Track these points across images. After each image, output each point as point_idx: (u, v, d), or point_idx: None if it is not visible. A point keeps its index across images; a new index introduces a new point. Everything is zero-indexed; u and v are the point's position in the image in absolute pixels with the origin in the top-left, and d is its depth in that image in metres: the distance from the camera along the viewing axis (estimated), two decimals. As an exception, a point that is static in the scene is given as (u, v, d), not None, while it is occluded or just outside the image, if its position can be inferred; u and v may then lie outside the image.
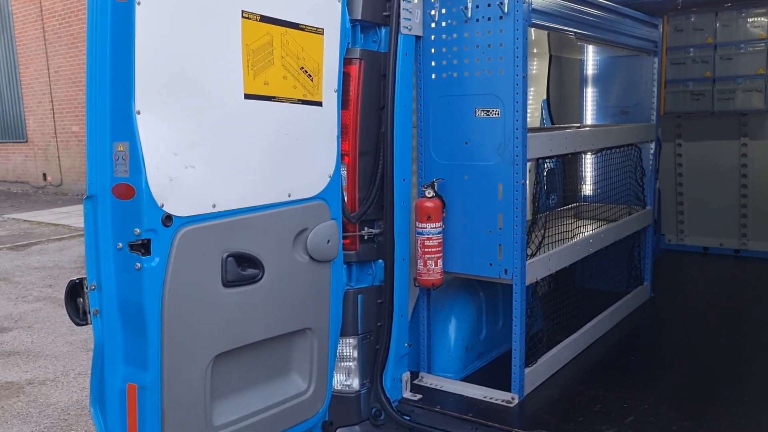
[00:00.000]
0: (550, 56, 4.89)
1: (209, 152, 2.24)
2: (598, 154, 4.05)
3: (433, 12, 3.01)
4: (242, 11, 2.29)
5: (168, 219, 2.12)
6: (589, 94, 4.96)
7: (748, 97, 5.39)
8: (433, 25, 3.03)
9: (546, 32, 4.66)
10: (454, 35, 2.98)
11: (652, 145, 4.56)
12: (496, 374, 3.25)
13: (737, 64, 5.41)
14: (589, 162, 4.54)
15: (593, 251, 3.74)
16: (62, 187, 17.81)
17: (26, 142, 18.77)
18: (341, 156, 2.75)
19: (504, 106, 2.88)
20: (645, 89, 4.57)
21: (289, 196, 2.53)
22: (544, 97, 4.89)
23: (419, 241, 3.01)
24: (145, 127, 2.04)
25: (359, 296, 2.94)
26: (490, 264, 3.00)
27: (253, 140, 2.38)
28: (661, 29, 4.60)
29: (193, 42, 2.17)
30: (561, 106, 4.96)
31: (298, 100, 2.54)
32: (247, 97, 2.35)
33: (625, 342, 3.92)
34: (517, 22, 2.82)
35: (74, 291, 2.18)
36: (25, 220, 13.64)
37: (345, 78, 2.76)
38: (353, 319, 2.93)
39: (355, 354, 2.96)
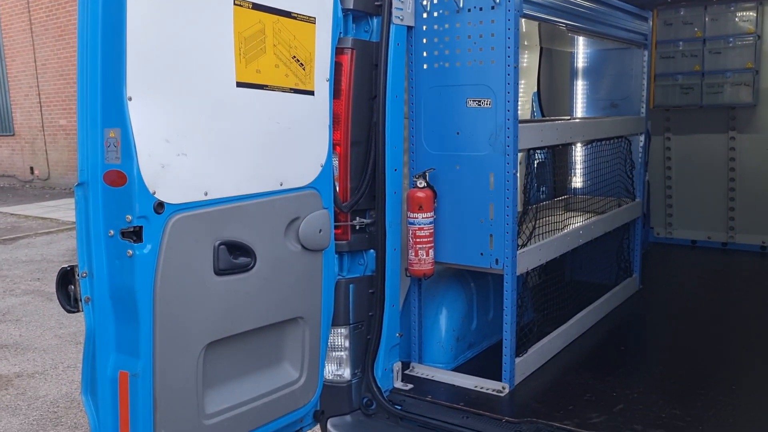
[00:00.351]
0: (541, 49, 4.90)
1: (201, 140, 2.23)
2: (588, 146, 4.08)
3: (425, 2, 3.01)
4: (234, -2, 2.28)
5: (160, 206, 2.11)
6: (580, 86, 4.99)
7: (737, 90, 5.44)
8: (425, 15, 3.03)
9: (537, 24, 4.67)
10: (446, 25, 2.99)
11: (642, 138, 4.59)
12: (487, 364, 3.27)
13: (726, 58, 5.44)
14: (579, 154, 4.56)
15: (583, 242, 3.77)
16: (49, 180, 17.68)
17: (13, 135, 18.61)
18: (333, 146, 2.74)
19: (495, 96, 2.89)
20: (635, 82, 4.60)
21: (281, 184, 2.53)
22: (535, 89, 4.91)
23: (411, 231, 3.01)
24: (137, 113, 2.03)
25: (351, 286, 2.94)
26: (481, 254, 3.01)
27: (245, 128, 2.38)
28: (650, 23, 4.63)
29: (185, 29, 2.15)
30: (551, 98, 4.98)
31: (290, 89, 2.53)
32: (239, 85, 2.34)
33: (614, 332, 3.95)
34: (508, 12, 2.83)
35: (65, 278, 2.17)
36: (12, 214, 13.54)
37: (337, 67, 2.76)
38: (345, 308, 2.93)
39: (347, 344, 2.97)
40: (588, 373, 3.31)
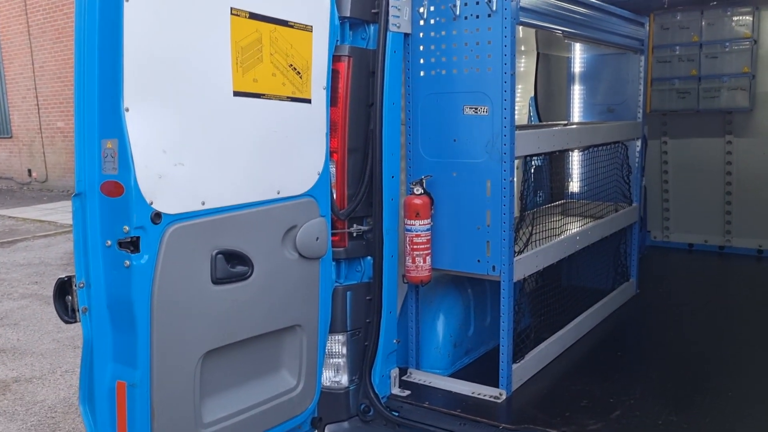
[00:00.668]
0: (538, 54, 4.92)
1: (198, 149, 2.24)
2: (585, 152, 4.09)
3: (421, 9, 3.02)
4: (231, 8, 2.29)
5: (157, 216, 2.11)
6: (576, 91, 5.00)
7: (733, 95, 5.45)
8: (421, 22, 3.03)
9: (534, 30, 4.68)
10: (443, 33, 2.99)
11: (639, 143, 4.60)
12: (485, 370, 3.28)
13: (722, 63, 5.46)
14: (576, 159, 4.58)
15: (580, 248, 3.78)
16: (47, 183, 17.67)
17: (11, 137, 18.59)
18: (330, 153, 2.75)
19: (492, 103, 2.90)
20: (631, 87, 4.61)
21: (279, 193, 2.53)
22: (532, 94, 4.92)
23: (408, 238, 3.02)
24: (134, 124, 2.04)
25: (348, 293, 2.95)
26: (478, 261, 3.02)
27: (242, 137, 2.38)
28: (647, 27, 4.64)
29: (182, 39, 2.16)
30: (548, 103, 4.99)
31: (287, 97, 2.54)
32: (236, 94, 2.35)
33: (611, 338, 3.96)
34: (505, 20, 2.83)
35: (63, 289, 2.17)
36: (10, 217, 13.53)
37: (334, 75, 2.77)
38: (342, 315, 2.94)
39: (344, 350, 2.97)
40: (585, 379, 3.31)
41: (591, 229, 3.90)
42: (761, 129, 5.49)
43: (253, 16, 2.37)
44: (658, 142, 5.91)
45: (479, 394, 3.09)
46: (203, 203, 2.25)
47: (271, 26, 2.44)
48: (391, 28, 2.91)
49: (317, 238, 2.67)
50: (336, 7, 2.70)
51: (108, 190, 2.08)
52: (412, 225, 3.00)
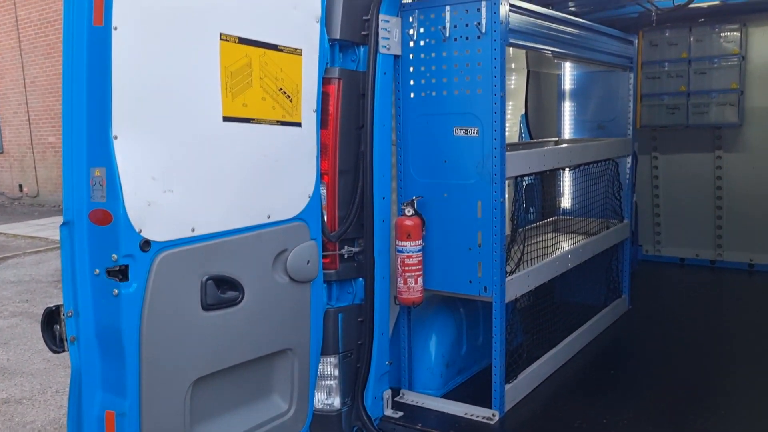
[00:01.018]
0: (528, 71, 4.94)
1: (188, 176, 2.23)
2: (576, 170, 4.10)
3: (411, 31, 3.03)
4: (220, 34, 2.29)
5: (146, 244, 2.10)
6: (567, 108, 5.03)
7: (722, 110, 5.49)
8: (411, 44, 3.05)
9: (524, 48, 4.71)
10: (433, 54, 3.01)
11: (629, 159, 4.62)
12: (477, 389, 3.27)
13: (711, 79, 5.51)
14: (567, 177, 4.59)
15: (572, 266, 3.78)
16: (39, 198, 17.58)
17: (2, 152, 18.50)
18: (321, 175, 2.75)
19: (482, 125, 2.90)
20: (621, 104, 4.64)
21: (269, 217, 2.52)
22: (523, 111, 4.94)
23: (399, 260, 3.01)
24: (123, 152, 2.03)
25: (340, 315, 2.93)
26: (470, 281, 3.02)
27: (232, 163, 2.37)
28: (636, 44, 4.68)
29: (171, 66, 2.15)
30: (539, 120, 5.02)
31: (277, 121, 2.53)
32: (226, 119, 2.34)
33: (604, 356, 3.95)
34: (494, 42, 2.85)
35: (51, 318, 2.15)
36: (0, 233, 13.43)
37: (324, 97, 2.77)
38: (334, 337, 2.92)
39: (336, 372, 2.96)
40: (578, 399, 3.31)
41: (582, 247, 3.90)
42: (750, 144, 5.53)
43: (243, 41, 2.37)
44: (649, 158, 5.94)
45: (472, 415, 3.08)
46: (193, 230, 2.24)
47: (261, 50, 2.44)
48: (381, 50, 2.92)
49: (308, 262, 2.66)
50: (326, 30, 2.70)
51: (96, 219, 2.07)
52: (404, 246, 3.00)
